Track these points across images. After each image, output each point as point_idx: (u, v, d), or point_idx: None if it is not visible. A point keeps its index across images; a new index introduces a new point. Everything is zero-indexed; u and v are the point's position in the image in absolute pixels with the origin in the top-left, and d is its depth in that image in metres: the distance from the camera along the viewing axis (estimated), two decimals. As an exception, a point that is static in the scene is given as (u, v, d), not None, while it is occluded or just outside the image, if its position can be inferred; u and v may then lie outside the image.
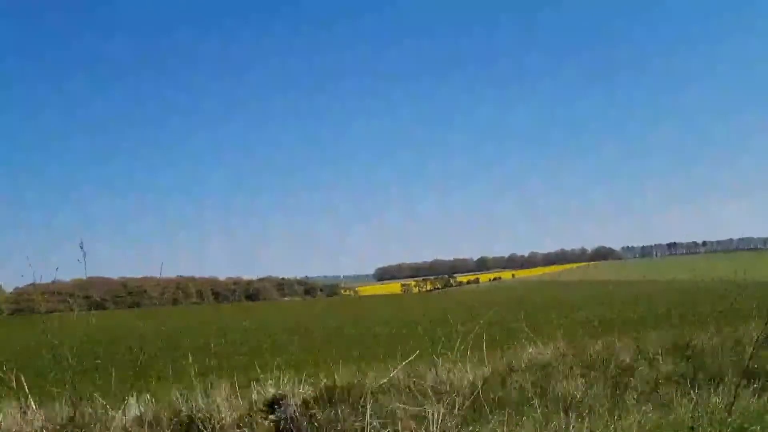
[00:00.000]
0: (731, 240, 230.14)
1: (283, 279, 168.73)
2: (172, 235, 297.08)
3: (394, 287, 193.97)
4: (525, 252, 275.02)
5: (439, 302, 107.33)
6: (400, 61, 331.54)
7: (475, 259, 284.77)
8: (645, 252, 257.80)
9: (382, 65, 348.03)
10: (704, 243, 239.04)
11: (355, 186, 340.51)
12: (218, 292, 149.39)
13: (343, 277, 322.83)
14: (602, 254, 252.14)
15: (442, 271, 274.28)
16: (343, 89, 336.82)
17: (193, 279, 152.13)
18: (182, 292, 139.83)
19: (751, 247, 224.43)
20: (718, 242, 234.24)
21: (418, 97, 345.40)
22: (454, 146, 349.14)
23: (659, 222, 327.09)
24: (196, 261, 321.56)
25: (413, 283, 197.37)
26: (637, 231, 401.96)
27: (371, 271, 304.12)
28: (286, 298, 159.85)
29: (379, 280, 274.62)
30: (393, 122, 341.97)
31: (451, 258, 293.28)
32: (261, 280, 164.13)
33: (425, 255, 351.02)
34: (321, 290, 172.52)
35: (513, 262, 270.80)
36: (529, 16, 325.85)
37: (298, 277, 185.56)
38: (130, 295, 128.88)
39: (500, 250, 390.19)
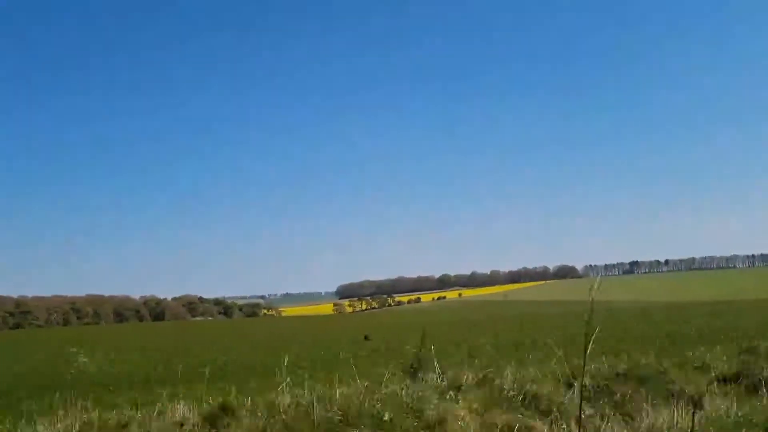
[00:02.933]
0: (693, 259, 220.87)
1: (200, 298, 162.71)
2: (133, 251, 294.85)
3: (326, 308, 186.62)
4: (487, 270, 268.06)
5: (336, 324, 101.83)
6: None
7: (437, 276, 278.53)
8: (608, 270, 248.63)
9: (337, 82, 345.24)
10: (667, 261, 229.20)
11: (321, 201, 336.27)
12: (120, 312, 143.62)
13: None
14: (563, 273, 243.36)
15: (405, 289, 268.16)
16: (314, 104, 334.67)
17: (99, 297, 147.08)
18: (75, 312, 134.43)
19: (714, 266, 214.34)
20: (681, 261, 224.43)
21: (383, 114, 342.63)
22: (420, 165, 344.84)
23: (623, 240, 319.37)
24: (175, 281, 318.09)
25: (347, 303, 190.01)
26: (603, 249, 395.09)
27: (333, 288, 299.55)
28: (198, 318, 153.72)
29: (342, 297, 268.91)
30: (353, 144, 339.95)
31: (415, 276, 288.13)
32: (175, 299, 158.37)
33: (389, 272, 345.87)
34: (240, 310, 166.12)
35: (475, 280, 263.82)
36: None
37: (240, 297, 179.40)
38: (11, 315, 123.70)
39: (464, 267, 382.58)
